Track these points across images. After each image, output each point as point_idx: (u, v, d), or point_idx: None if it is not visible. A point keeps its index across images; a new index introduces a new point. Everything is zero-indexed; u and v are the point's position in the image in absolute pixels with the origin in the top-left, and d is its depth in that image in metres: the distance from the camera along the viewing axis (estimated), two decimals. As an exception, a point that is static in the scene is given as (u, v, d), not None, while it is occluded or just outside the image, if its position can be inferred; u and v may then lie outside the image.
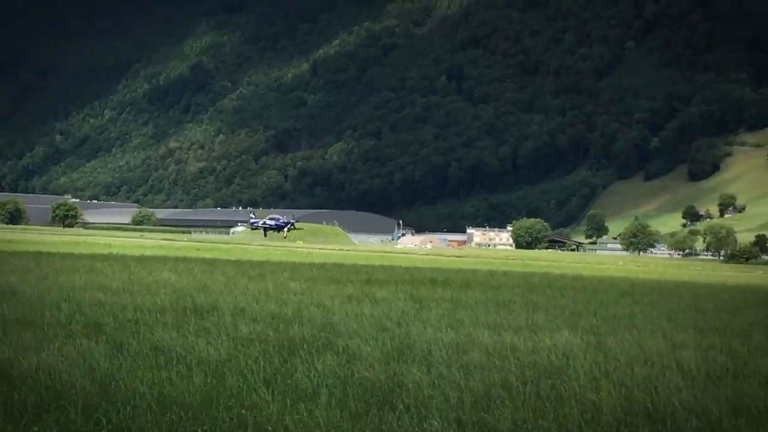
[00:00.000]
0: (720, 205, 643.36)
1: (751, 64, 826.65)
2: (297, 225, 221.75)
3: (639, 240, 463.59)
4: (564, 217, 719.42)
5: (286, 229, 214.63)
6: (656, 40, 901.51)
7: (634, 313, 48.02)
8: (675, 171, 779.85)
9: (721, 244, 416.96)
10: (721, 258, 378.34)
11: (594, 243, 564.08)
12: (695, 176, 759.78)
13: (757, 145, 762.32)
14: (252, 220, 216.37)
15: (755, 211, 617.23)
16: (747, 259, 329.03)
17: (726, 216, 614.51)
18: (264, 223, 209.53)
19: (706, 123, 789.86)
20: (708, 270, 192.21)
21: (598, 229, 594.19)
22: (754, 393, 23.85)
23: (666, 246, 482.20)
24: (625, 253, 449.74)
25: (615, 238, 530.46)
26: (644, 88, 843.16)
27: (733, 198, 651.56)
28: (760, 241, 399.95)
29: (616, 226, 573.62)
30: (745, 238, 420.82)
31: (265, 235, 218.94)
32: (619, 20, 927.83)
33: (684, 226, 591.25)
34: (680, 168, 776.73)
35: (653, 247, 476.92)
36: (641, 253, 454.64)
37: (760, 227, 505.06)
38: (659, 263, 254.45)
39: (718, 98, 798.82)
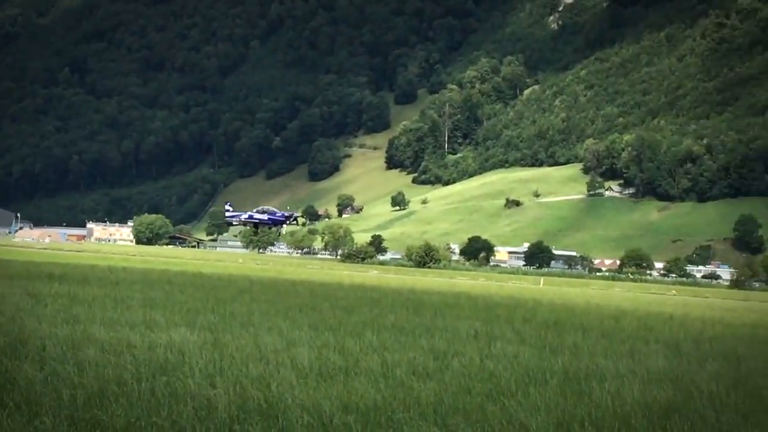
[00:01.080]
0: (338, 205, 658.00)
1: (370, 68, 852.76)
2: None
3: (259, 238, 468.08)
4: (185, 214, 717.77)
5: (285, 226, 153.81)
6: (280, 40, 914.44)
7: (252, 310, 48.49)
8: (296, 171, 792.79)
9: (338, 243, 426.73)
10: (339, 257, 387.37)
11: (215, 240, 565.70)
12: (315, 176, 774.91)
13: (375, 148, 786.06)
14: (229, 214, 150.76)
15: (371, 212, 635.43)
16: (363, 258, 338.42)
17: (344, 216, 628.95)
18: (250, 216, 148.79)
19: (326, 124, 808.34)
20: (325, 269, 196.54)
21: (219, 227, 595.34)
22: (364, 390, 24.54)
23: (285, 244, 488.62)
24: (245, 250, 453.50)
25: (236, 236, 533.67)
26: (267, 88, 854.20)
27: (351, 198, 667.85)
28: (375, 241, 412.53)
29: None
30: (361, 238, 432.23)
31: (256, 233, 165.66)
32: (245, 19, 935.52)
33: (303, 225, 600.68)
34: (301, 168, 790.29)
35: (273, 245, 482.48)
36: (261, 250, 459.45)
37: (376, 228, 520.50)
38: (278, 261, 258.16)
39: (339, 100, 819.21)
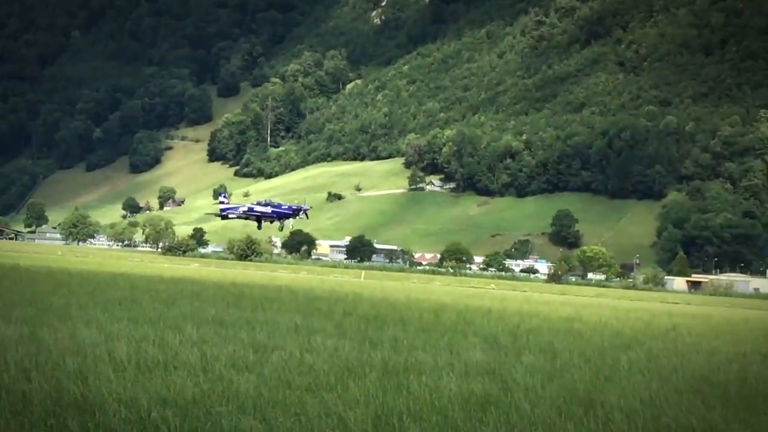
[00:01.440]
0: (160, 197, 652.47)
1: (193, 60, 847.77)
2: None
3: (79, 230, 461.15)
4: (3, 206, 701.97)
5: (291, 220, 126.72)
6: (101, 31, 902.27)
7: (70, 303, 47.72)
8: (117, 162, 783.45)
9: (159, 236, 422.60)
10: (160, 250, 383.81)
11: (33, 232, 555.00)
12: (136, 168, 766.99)
13: (197, 140, 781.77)
14: (224, 207, 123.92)
15: (193, 205, 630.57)
16: (184, 251, 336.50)
17: (165, 209, 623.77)
18: (251, 209, 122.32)
19: (148, 116, 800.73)
20: (146, 262, 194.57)
21: (37, 218, 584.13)
22: (182, 383, 24.40)
23: (106, 237, 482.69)
24: (64, 243, 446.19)
25: (55, 228, 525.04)
26: (88, 79, 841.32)
27: (172, 191, 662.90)
28: (196, 234, 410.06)
29: (57, 216, 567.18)
30: (183, 231, 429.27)
31: (260, 227, 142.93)
32: (65, 9, 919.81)
33: (124, 217, 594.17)
34: (122, 160, 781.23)
35: (93, 237, 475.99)
36: (81, 243, 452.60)
37: (197, 221, 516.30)
38: (98, 254, 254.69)
39: (161, 92, 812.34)
